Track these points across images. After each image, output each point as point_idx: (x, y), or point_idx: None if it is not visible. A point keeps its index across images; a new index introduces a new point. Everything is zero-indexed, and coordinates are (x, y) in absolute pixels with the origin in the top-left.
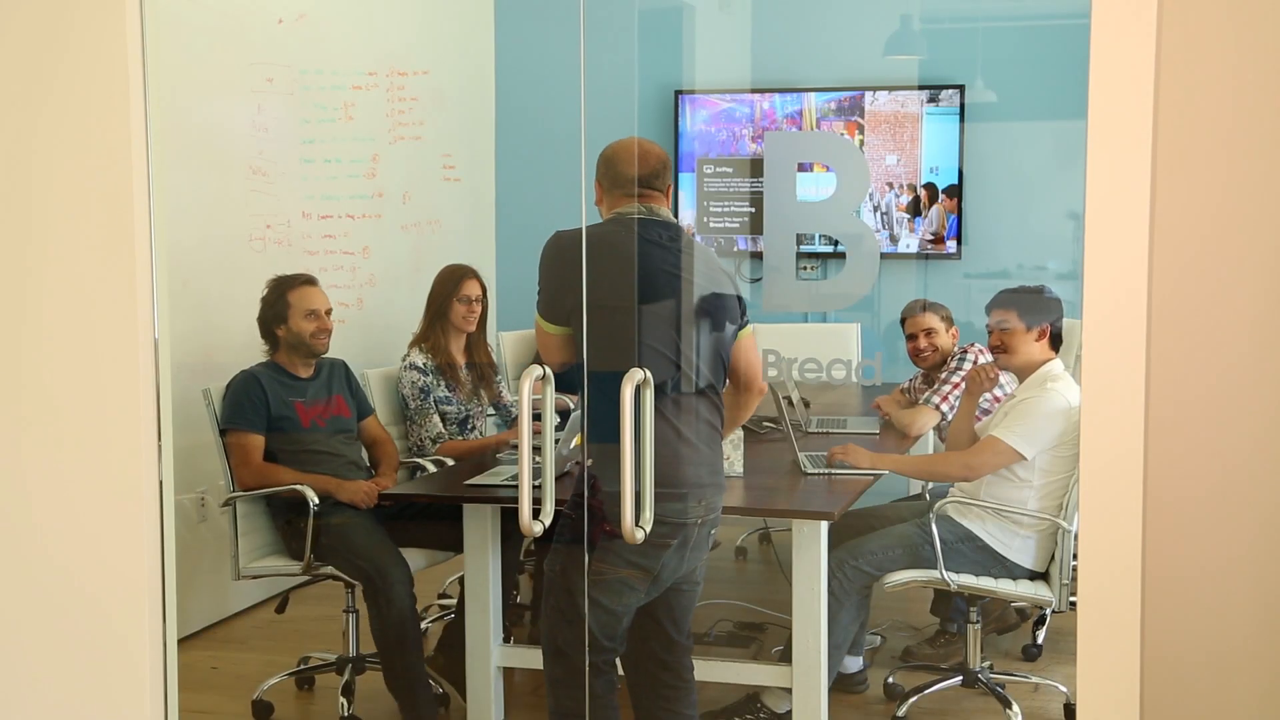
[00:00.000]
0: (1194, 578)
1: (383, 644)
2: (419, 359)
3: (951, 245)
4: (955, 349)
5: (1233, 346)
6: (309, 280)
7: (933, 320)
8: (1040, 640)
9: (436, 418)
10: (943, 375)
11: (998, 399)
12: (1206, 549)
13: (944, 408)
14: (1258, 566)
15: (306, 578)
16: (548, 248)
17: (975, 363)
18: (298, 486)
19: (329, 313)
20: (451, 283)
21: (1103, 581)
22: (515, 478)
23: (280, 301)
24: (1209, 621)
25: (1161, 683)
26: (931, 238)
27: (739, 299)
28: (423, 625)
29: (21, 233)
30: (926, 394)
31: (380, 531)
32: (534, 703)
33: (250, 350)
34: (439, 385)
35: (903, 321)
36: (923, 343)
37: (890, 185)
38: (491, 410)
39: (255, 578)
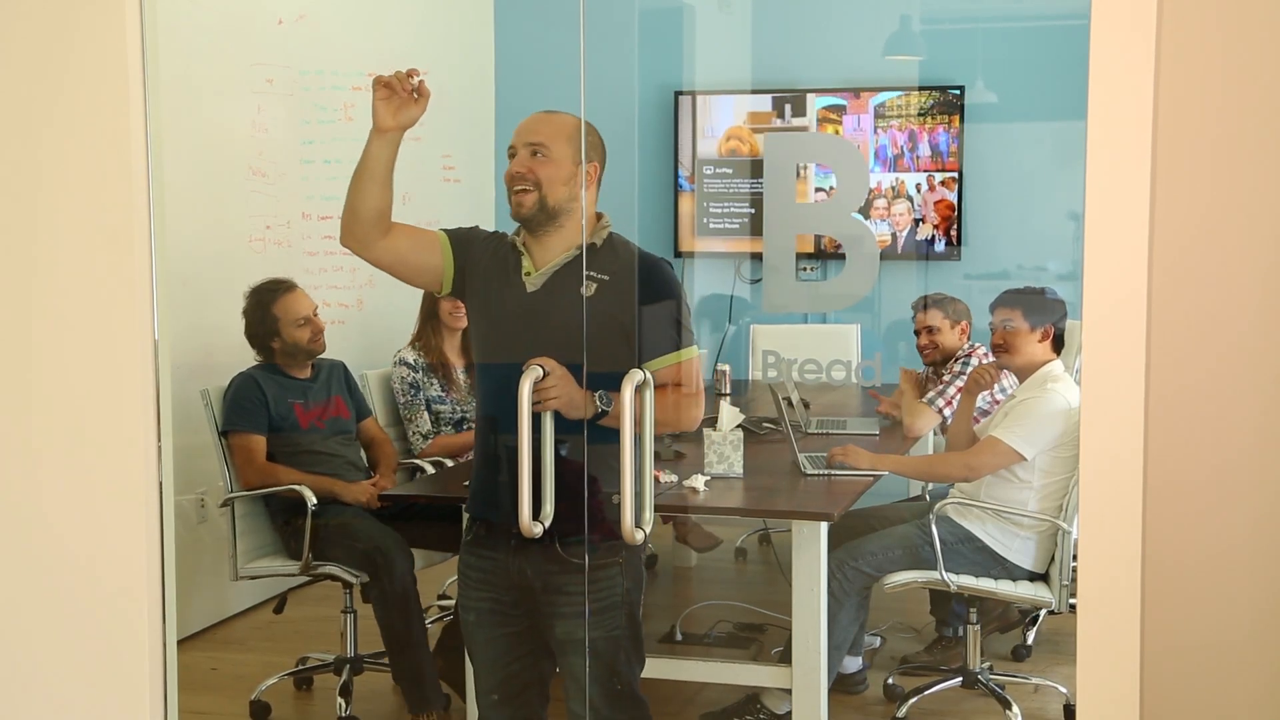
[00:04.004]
0: (1194, 578)
1: (387, 626)
2: (409, 356)
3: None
4: (961, 349)
5: (1233, 347)
6: (289, 287)
7: (935, 318)
8: (1030, 640)
9: (426, 414)
10: (946, 377)
11: (997, 400)
12: (1206, 549)
13: (946, 411)
14: (1258, 566)
15: (305, 578)
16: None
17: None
18: (297, 486)
19: (317, 311)
20: None
21: (1103, 582)
22: None
23: (267, 316)
24: (1209, 622)
25: (1161, 683)
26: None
27: None
28: None
29: (22, 234)
30: (930, 394)
31: (379, 522)
32: None
33: (250, 350)
34: (431, 384)
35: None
36: (924, 340)
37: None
38: None
39: (254, 578)
